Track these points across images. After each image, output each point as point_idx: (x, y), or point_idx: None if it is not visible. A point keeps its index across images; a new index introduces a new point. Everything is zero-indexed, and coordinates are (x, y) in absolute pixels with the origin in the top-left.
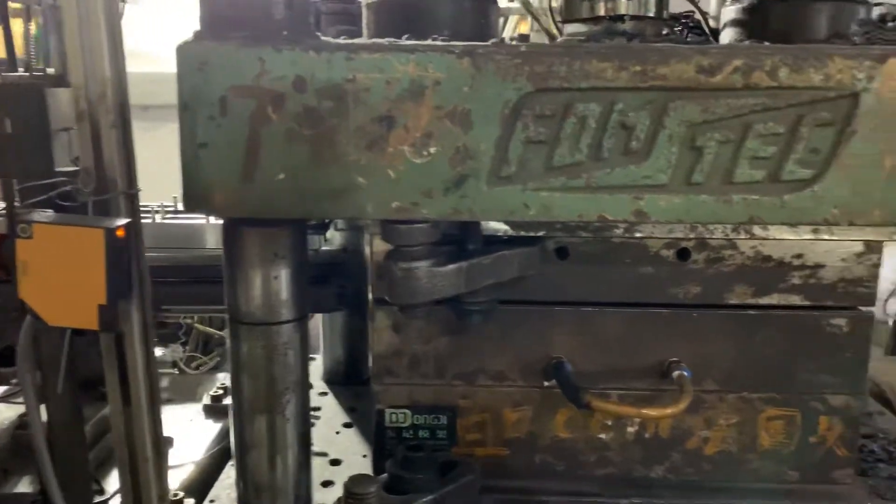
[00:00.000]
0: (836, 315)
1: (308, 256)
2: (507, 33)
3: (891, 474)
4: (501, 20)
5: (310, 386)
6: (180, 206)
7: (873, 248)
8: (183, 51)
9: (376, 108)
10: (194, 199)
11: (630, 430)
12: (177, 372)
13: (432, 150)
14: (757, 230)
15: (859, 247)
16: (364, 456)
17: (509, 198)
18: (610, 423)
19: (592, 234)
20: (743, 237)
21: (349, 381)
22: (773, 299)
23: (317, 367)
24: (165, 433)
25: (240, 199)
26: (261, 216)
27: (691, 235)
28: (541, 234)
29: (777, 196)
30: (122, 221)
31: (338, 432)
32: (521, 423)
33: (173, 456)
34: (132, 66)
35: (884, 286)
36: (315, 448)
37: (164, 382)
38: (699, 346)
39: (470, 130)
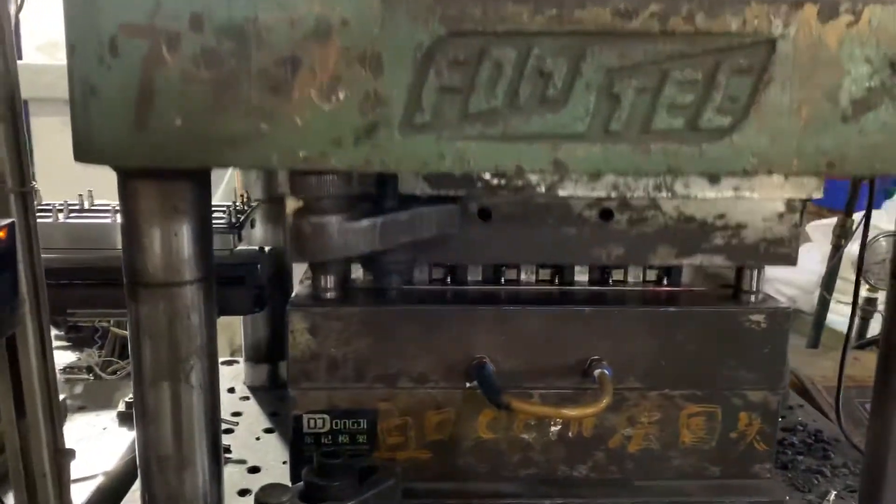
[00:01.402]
0: (754, 311)
1: (210, 213)
2: None
3: (809, 466)
4: None
5: (235, 361)
6: (87, 204)
7: (794, 207)
8: None
9: (280, 49)
10: (85, 148)
11: (553, 429)
12: (92, 378)
13: (341, 95)
14: (679, 188)
15: (780, 206)
16: (285, 463)
17: (423, 147)
18: (533, 423)
19: (513, 193)
20: (664, 194)
21: (273, 384)
22: (696, 260)
23: (240, 371)
24: (76, 443)
25: (134, 147)
26: (157, 165)
27: (613, 194)
28: (461, 193)
29: (695, 145)
30: (4, 222)
31: (258, 438)
32: (444, 424)
33: (84, 467)
34: (55, 58)
35: (811, 279)
36: (233, 455)
37: (79, 389)
38: (620, 344)
39: (381, 75)
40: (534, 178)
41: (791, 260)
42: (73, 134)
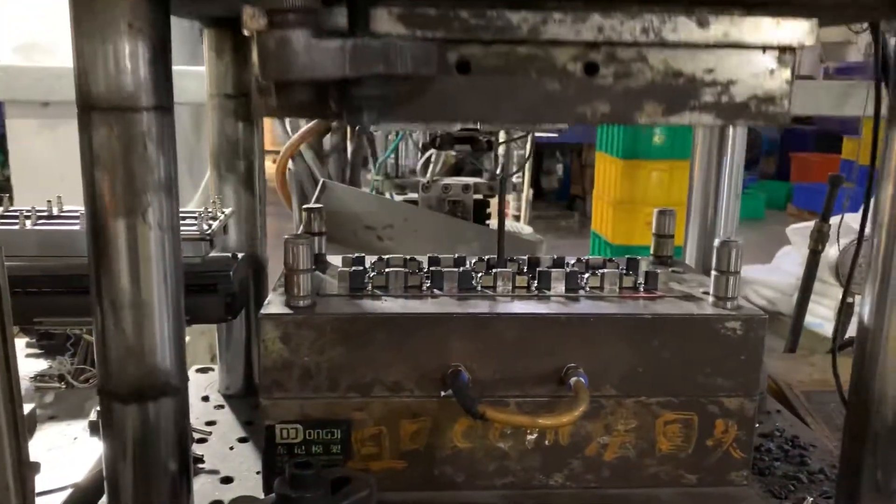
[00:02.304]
0: (730, 318)
1: (170, 38)
2: None
3: (785, 473)
4: None
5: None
6: (56, 210)
7: (785, 61)
8: None
9: None
10: None
11: (529, 438)
12: (63, 386)
13: None
14: (667, 32)
15: (771, 61)
16: (258, 473)
17: None
18: (509, 431)
19: (495, 34)
20: (652, 37)
21: (248, 392)
22: (685, 118)
23: (214, 379)
24: (46, 453)
25: None
26: None
27: (599, 38)
28: (439, 35)
29: None
30: None
31: (232, 448)
32: (419, 434)
33: (54, 477)
34: (32, 60)
35: (789, 281)
36: (206, 465)
37: (49, 398)
38: (596, 351)
39: None
40: (515, 18)
41: (783, 118)
42: None
